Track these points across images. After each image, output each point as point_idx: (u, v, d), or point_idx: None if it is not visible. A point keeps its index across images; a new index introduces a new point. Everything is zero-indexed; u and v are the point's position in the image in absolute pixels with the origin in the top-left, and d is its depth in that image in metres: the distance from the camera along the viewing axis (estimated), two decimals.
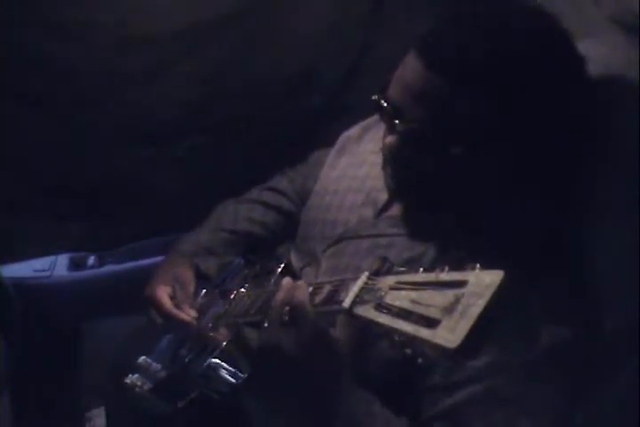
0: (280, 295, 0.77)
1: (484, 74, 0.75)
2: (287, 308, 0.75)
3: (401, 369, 0.80)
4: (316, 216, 1.05)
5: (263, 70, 1.37)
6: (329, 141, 1.15)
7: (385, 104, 0.82)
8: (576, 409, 0.82)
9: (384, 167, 0.88)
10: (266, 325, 0.79)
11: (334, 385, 0.77)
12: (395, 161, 0.85)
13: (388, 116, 0.82)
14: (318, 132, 1.39)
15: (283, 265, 0.98)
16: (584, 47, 0.81)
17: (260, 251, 1.18)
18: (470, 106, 0.76)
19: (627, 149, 0.85)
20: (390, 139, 0.82)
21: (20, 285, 1.47)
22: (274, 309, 0.77)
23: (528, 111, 0.77)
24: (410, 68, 0.79)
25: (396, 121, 0.80)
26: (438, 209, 0.88)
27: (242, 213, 1.22)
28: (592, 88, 0.82)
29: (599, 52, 0.87)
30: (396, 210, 0.94)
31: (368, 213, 0.97)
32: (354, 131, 1.11)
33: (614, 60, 0.88)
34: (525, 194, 0.85)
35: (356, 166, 1.04)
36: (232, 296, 1.00)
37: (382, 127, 0.87)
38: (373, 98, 0.83)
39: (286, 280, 0.79)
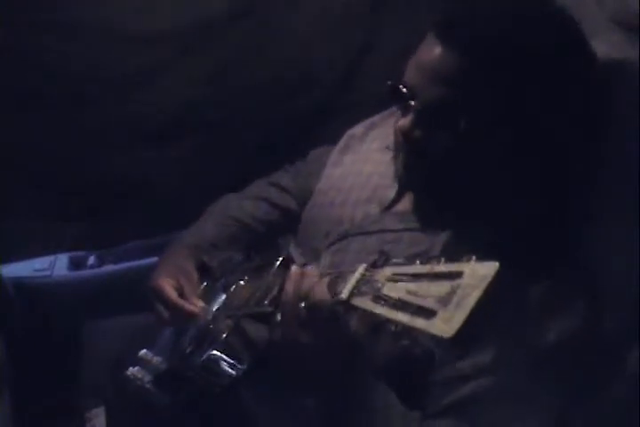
0: (291, 287, 0.77)
1: (499, 52, 0.77)
2: (303, 303, 0.74)
3: (406, 365, 0.81)
4: (320, 214, 1.05)
5: (263, 70, 1.37)
6: (329, 141, 1.15)
7: (401, 87, 0.83)
8: (579, 405, 0.82)
9: (395, 156, 0.90)
10: (278, 319, 0.78)
11: (353, 377, 0.78)
12: (407, 143, 0.86)
13: (403, 98, 0.84)
14: (318, 132, 1.40)
15: (282, 258, 0.98)
16: None
17: (260, 246, 1.18)
18: (484, 83, 0.78)
19: (627, 148, 0.86)
20: (404, 121, 0.84)
21: (20, 284, 1.47)
22: (287, 303, 0.77)
23: (539, 94, 0.79)
24: (427, 50, 0.81)
25: (412, 102, 0.82)
26: (447, 199, 0.89)
27: (247, 210, 1.21)
28: (600, 78, 0.83)
29: (599, 52, 0.87)
30: (402, 206, 0.95)
31: (373, 209, 0.97)
32: (358, 129, 1.11)
33: (614, 60, 0.89)
34: (529, 190, 0.86)
35: (360, 164, 1.05)
36: (231, 289, 1.00)
37: (388, 125, 0.89)
38: (388, 83, 0.85)
39: (294, 269, 0.79)
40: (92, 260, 1.55)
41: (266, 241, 1.20)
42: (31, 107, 1.30)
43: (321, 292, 0.74)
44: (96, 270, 1.54)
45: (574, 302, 0.80)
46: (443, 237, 0.87)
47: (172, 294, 1.05)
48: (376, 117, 1.09)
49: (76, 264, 1.54)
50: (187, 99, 1.37)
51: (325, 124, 1.41)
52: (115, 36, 1.28)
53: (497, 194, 0.86)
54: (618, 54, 0.89)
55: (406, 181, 0.91)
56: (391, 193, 0.96)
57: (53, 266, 1.52)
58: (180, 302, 1.04)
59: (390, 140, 0.92)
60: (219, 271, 1.11)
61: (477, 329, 0.56)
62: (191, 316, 1.01)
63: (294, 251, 1.07)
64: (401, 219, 0.93)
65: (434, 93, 0.80)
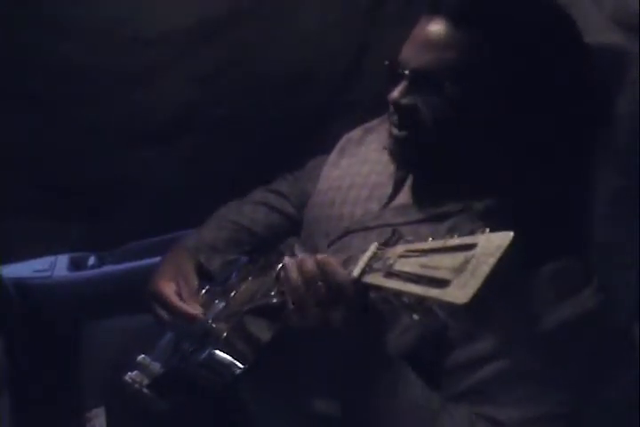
0: (293, 272, 0.76)
1: (482, 16, 0.81)
2: (320, 283, 0.72)
3: (422, 351, 0.82)
4: (320, 213, 1.06)
5: (263, 70, 1.37)
6: (329, 141, 1.15)
7: (396, 63, 0.86)
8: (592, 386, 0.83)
9: (390, 135, 0.91)
10: (290, 307, 0.76)
11: (377, 355, 0.78)
12: (397, 112, 0.87)
13: (396, 71, 0.86)
14: (318, 132, 1.40)
15: (286, 257, 0.98)
16: None
17: (261, 251, 1.18)
18: (471, 49, 0.81)
19: (627, 148, 0.86)
20: (397, 89, 0.86)
21: (20, 285, 1.47)
22: (294, 288, 0.75)
23: (527, 63, 0.81)
24: (419, 27, 0.85)
25: (406, 71, 0.84)
26: (444, 176, 0.90)
27: (246, 213, 1.22)
28: (592, 57, 0.86)
29: (599, 52, 0.87)
30: (401, 200, 0.96)
31: (373, 206, 0.98)
32: (355, 133, 1.12)
33: (614, 60, 0.89)
34: (530, 172, 0.87)
35: (358, 164, 1.06)
36: (234, 291, 1.00)
37: (384, 129, 0.90)
38: (386, 62, 0.88)
39: (286, 259, 0.79)
40: (92, 260, 1.55)
41: (266, 245, 1.21)
42: (30, 106, 1.30)
43: (337, 268, 0.73)
44: (96, 271, 1.54)
45: (582, 284, 0.81)
46: (445, 226, 0.87)
47: (173, 297, 1.05)
48: (373, 122, 1.11)
49: (76, 264, 1.54)
50: (187, 99, 1.37)
51: (325, 124, 1.41)
52: (115, 36, 1.27)
53: (496, 178, 0.87)
54: (618, 54, 0.89)
55: (400, 159, 0.92)
56: (389, 190, 0.98)
57: (53, 266, 1.52)
58: (180, 304, 1.04)
59: (387, 141, 0.92)
60: (223, 273, 1.11)
61: (492, 311, 0.56)
62: (191, 319, 1.01)
63: (298, 251, 1.07)
64: (401, 213, 0.94)
65: (422, 59, 0.83)
